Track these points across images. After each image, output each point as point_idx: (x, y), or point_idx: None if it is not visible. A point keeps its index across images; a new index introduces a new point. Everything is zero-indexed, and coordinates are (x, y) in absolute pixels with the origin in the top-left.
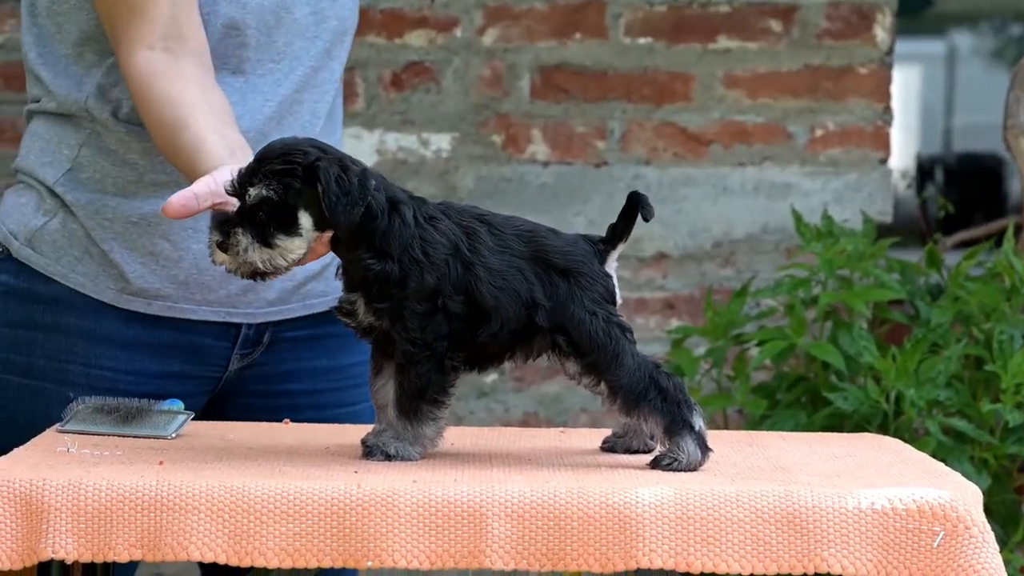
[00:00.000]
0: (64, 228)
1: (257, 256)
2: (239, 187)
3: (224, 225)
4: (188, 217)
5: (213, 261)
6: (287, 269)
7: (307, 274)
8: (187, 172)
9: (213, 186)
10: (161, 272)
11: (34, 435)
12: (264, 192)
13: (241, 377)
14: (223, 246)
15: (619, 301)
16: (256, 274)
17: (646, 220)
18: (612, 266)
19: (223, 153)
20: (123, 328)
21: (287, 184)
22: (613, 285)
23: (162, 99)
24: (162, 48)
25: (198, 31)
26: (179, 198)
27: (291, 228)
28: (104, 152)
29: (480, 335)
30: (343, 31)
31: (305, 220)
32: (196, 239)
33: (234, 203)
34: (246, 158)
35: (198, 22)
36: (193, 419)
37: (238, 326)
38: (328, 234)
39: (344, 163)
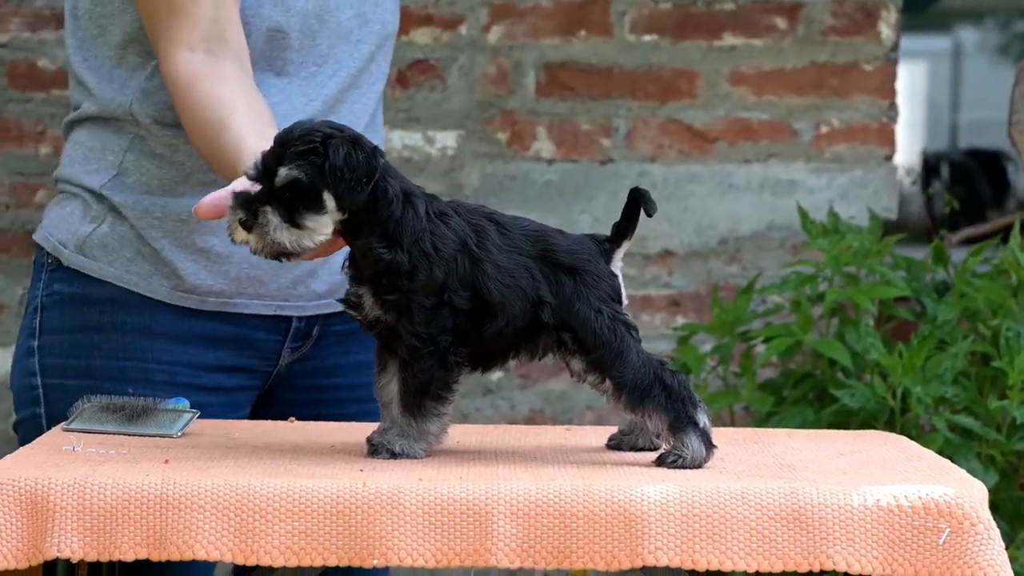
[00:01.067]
0: (113, 231)
1: (285, 236)
2: (263, 169)
3: (250, 204)
4: (221, 218)
5: (232, 239)
6: (312, 251)
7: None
8: (228, 173)
9: (249, 186)
10: (213, 268)
11: None
12: (294, 173)
13: (290, 372)
14: (247, 225)
15: (625, 300)
16: (281, 254)
17: (649, 215)
18: (618, 265)
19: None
20: (178, 322)
21: (312, 163)
22: (619, 284)
23: (202, 101)
24: (203, 50)
25: (238, 33)
26: (212, 198)
27: (318, 208)
28: (149, 156)
29: (486, 331)
30: (386, 35)
31: (329, 201)
32: None
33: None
34: None
35: (239, 24)
36: (246, 415)
37: (289, 319)
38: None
39: (357, 142)
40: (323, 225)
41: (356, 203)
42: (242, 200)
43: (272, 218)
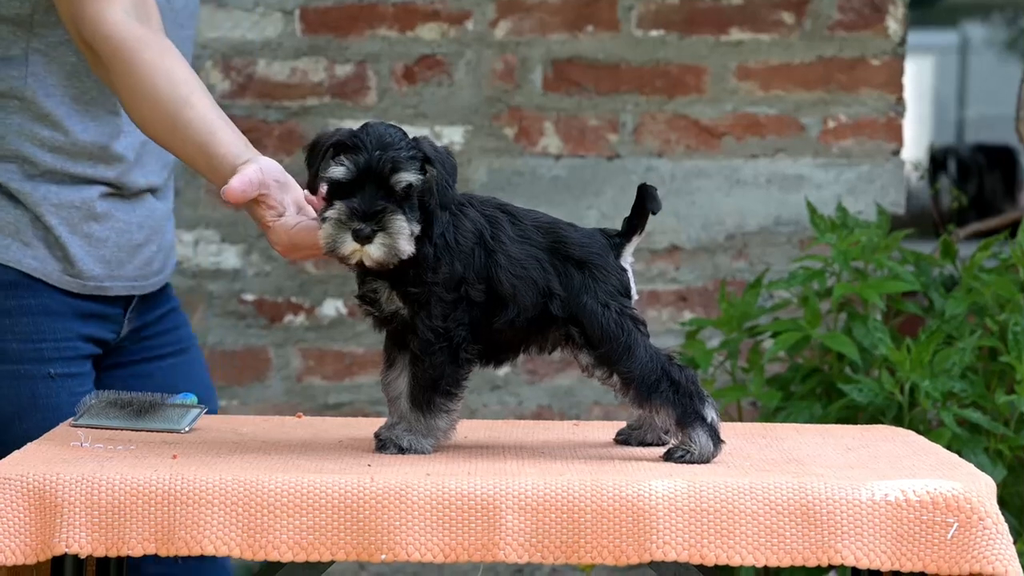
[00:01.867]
0: (9, 215)
1: (408, 246)
2: (365, 172)
3: (375, 214)
4: (243, 203)
5: (337, 252)
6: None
7: (168, 248)
8: (189, 149)
9: (261, 176)
10: (93, 253)
11: (22, 419)
12: (419, 177)
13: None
14: (367, 235)
15: (635, 296)
16: (385, 263)
17: (652, 213)
18: (628, 260)
19: (238, 143)
20: (68, 301)
21: (420, 169)
22: (628, 279)
23: (155, 69)
24: (135, 16)
25: (155, 5)
26: (240, 183)
27: (416, 212)
28: (35, 128)
29: (497, 322)
30: (195, 18)
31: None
32: (115, 218)
33: (276, 196)
34: (255, 150)
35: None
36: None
37: (132, 297)
38: None
39: (432, 144)
40: (416, 229)
41: (452, 204)
42: (361, 211)
43: (404, 226)
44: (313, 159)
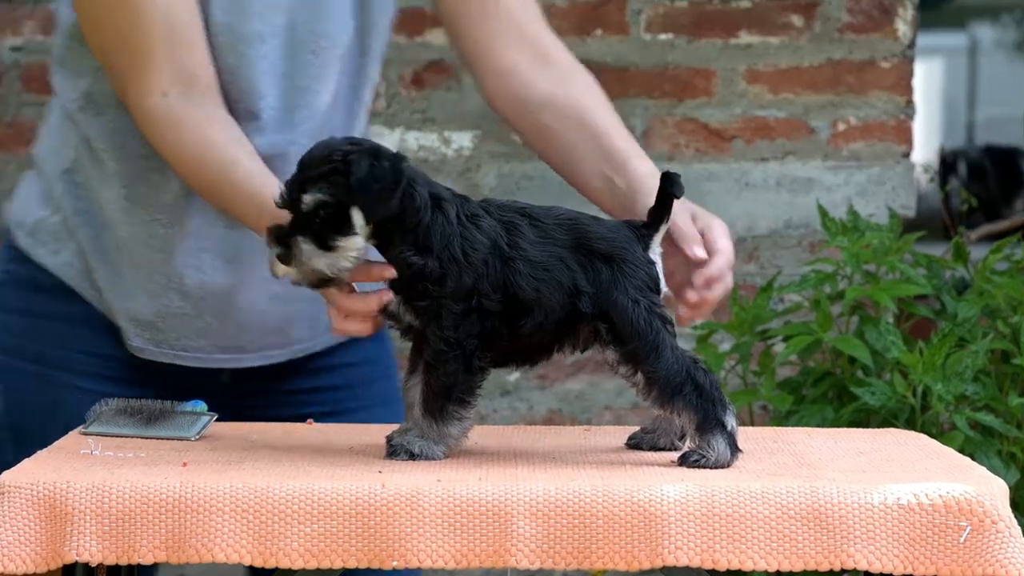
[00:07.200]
0: (67, 222)
1: (322, 262)
2: (290, 198)
3: (283, 237)
4: None
5: (274, 274)
6: (351, 270)
7: None
8: (240, 205)
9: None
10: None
11: (43, 422)
12: (319, 196)
13: None
14: (285, 258)
15: (664, 289)
16: (322, 281)
17: (676, 197)
18: (656, 251)
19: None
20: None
21: (335, 183)
22: (656, 272)
23: (197, 142)
24: (177, 94)
25: (204, 62)
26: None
27: (346, 227)
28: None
29: (524, 328)
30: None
31: (357, 217)
32: None
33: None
34: None
35: (203, 53)
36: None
37: None
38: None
39: (377, 152)
40: (355, 244)
41: (387, 213)
42: (276, 234)
43: (305, 247)
44: None
